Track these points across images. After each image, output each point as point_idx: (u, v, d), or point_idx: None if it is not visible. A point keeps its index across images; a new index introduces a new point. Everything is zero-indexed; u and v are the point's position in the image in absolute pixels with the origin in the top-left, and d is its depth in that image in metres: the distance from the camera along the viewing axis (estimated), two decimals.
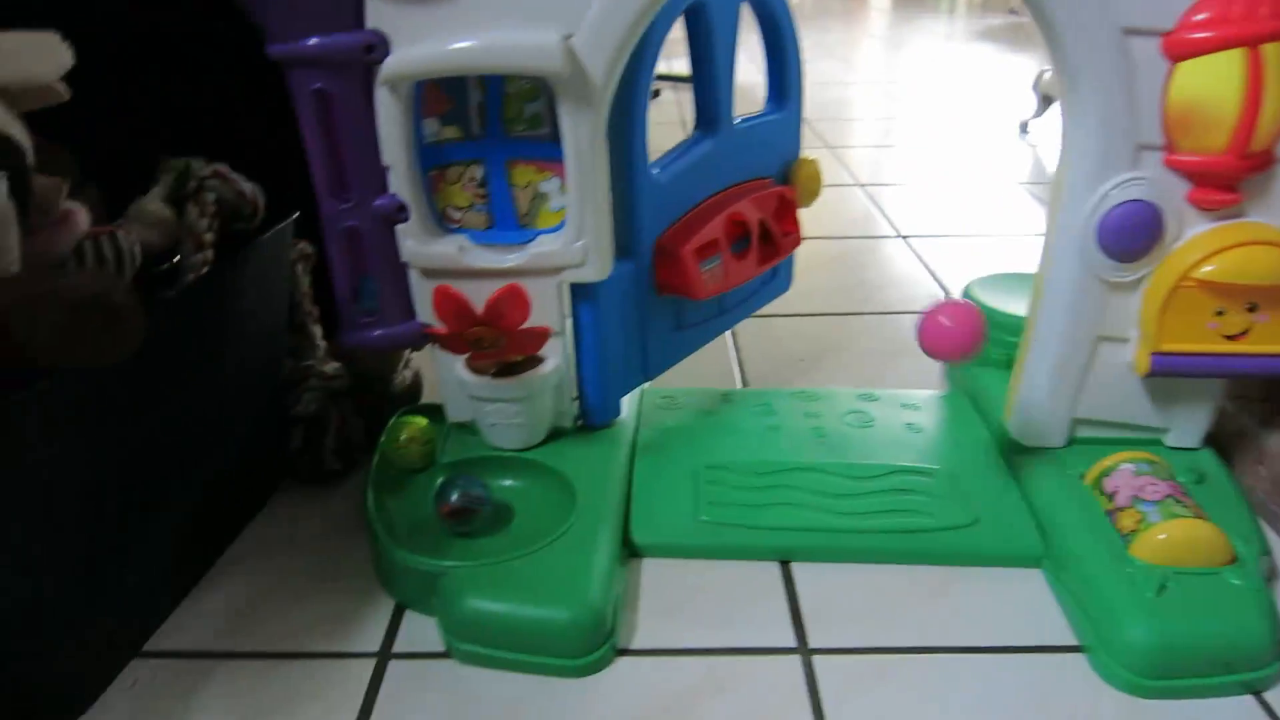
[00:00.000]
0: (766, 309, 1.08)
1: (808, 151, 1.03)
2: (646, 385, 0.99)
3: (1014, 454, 0.86)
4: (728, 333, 1.20)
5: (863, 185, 1.92)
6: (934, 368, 1.12)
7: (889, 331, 1.24)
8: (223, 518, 0.84)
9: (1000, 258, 1.48)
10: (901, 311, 1.29)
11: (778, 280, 1.08)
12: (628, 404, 0.94)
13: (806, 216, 1.03)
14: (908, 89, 3.01)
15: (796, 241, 1.03)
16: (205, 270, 0.77)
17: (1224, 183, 0.72)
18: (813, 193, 1.04)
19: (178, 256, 0.78)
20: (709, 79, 0.90)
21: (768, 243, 0.98)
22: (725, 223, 0.91)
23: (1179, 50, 0.68)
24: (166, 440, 0.73)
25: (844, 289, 1.38)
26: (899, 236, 1.60)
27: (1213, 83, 0.68)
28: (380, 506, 0.79)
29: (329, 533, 0.85)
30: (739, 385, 1.11)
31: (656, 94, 0.96)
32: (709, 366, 1.14)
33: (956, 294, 1.15)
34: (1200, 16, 0.67)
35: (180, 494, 0.77)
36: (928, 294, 1.35)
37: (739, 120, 0.94)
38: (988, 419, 0.93)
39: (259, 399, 0.87)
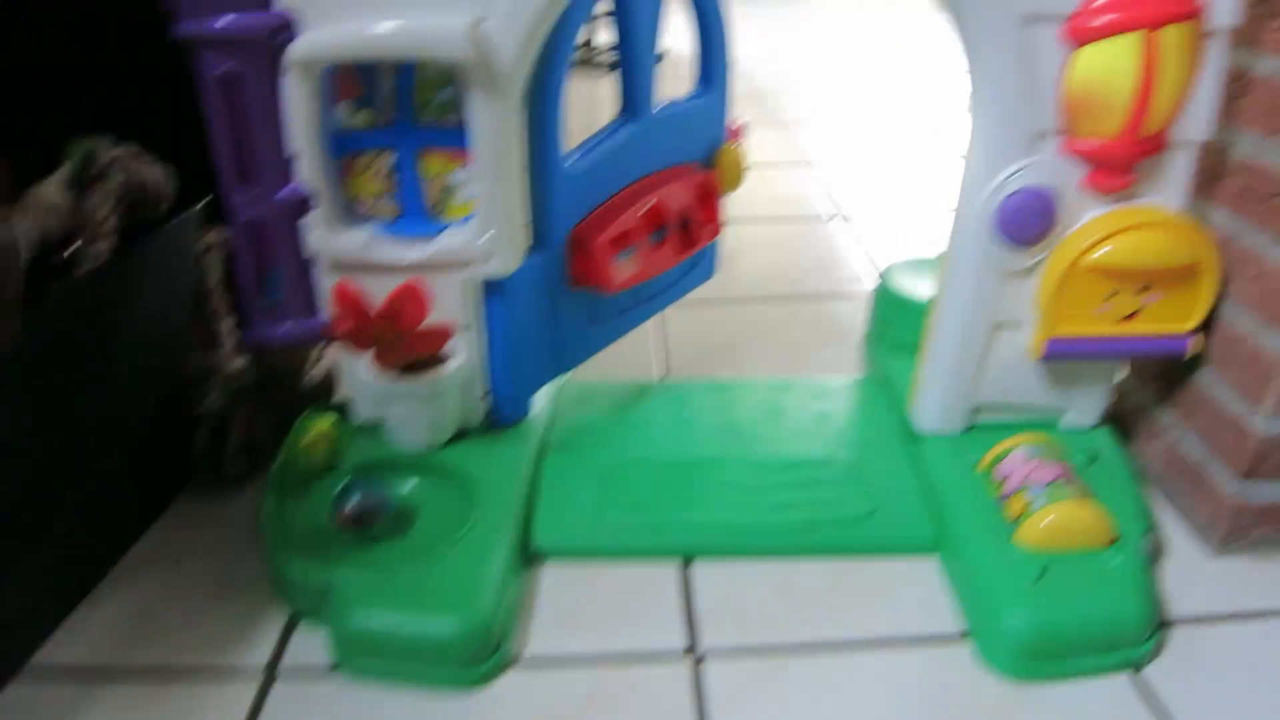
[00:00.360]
0: (695, 294, 1.08)
1: (758, 126, 1.02)
2: (563, 379, 0.99)
3: (916, 441, 0.88)
4: (655, 320, 1.21)
5: (808, 163, 1.92)
6: (854, 354, 1.13)
7: (816, 316, 1.25)
8: (118, 523, 0.82)
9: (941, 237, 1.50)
10: (829, 296, 1.31)
11: (700, 268, 1.08)
12: (541, 399, 0.94)
13: (744, 197, 1.03)
14: (863, 59, 3.02)
15: (717, 230, 1.03)
16: (104, 259, 0.75)
17: (1119, 166, 0.74)
18: (736, 179, 1.04)
19: (75, 245, 0.76)
20: (632, 62, 0.89)
21: (687, 232, 0.98)
22: (642, 212, 0.91)
23: (1080, 35, 0.70)
24: (54, 441, 0.71)
25: (775, 273, 1.38)
26: (838, 216, 1.61)
27: (1111, 67, 0.69)
28: (279, 512, 0.78)
29: (230, 538, 0.83)
30: (664, 374, 1.12)
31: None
32: (634, 356, 1.14)
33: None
34: (1101, 1, 0.69)
35: (70, 499, 0.75)
36: (852, 277, 1.37)
37: (662, 106, 0.94)
38: (897, 405, 0.95)
39: (160, 396, 0.85)
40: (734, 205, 1.52)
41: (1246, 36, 0.76)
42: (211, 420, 0.88)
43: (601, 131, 0.89)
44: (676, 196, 0.94)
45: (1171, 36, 0.67)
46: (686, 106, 0.96)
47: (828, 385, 1.01)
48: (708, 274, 1.09)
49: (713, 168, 1.00)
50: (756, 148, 2.03)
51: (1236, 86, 0.77)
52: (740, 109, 2.31)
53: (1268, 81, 0.74)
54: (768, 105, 2.41)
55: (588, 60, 2.70)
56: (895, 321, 1.01)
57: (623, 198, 0.90)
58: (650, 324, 1.09)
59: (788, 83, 2.67)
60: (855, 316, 1.21)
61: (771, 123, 2.23)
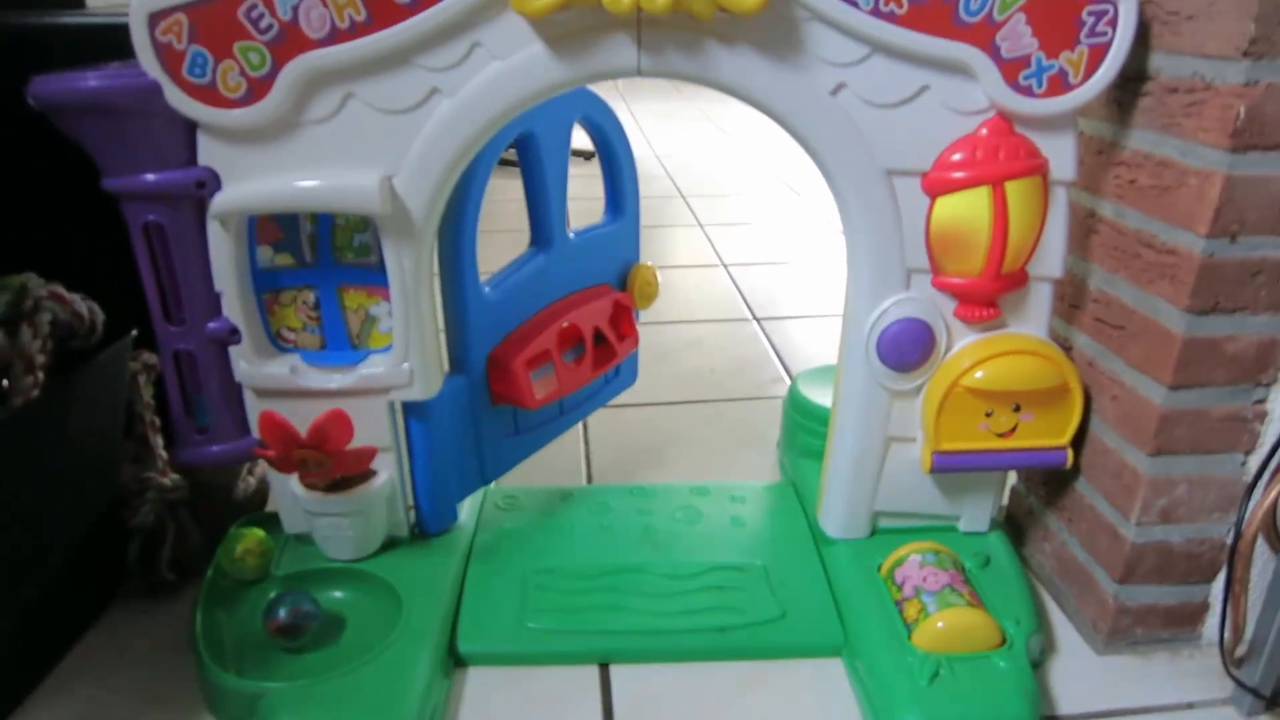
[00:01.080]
0: (618, 400, 1.14)
1: (678, 231, 1.09)
2: (490, 486, 1.03)
3: (824, 544, 0.93)
4: (579, 425, 1.25)
5: (730, 265, 2.01)
6: (771, 456, 1.19)
7: (736, 419, 1.31)
8: (52, 633, 0.84)
9: None
10: (748, 399, 1.37)
11: (620, 378, 1.14)
12: (468, 506, 0.98)
13: (668, 301, 1.09)
14: (786, 161, 3.15)
15: (634, 344, 1.09)
16: (35, 394, 0.79)
17: (984, 300, 0.81)
18: (650, 297, 1.11)
19: (5, 381, 0.79)
20: (541, 199, 0.96)
21: (603, 347, 1.04)
22: (558, 333, 0.96)
23: (936, 188, 0.77)
24: None
25: (697, 376, 1.45)
26: (752, 319, 1.68)
27: (966, 215, 0.77)
28: (210, 623, 0.81)
29: (162, 648, 0.86)
30: (587, 478, 1.16)
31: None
32: (559, 460, 1.18)
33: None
34: (955, 157, 0.77)
35: (4, 611, 0.77)
36: (772, 379, 1.43)
37: (575, 233, 1.01)
38: (806, 509, 1.00)
39: (93, 512, 0.88)
40: (657, 309, 1.59)
41: (1090, 182, 0.84)
42: (144, 533, 0.91)
43: (516, 261, 0.95)
44: (591, 316, 1.00)
45: (1017, 189, 0.75)
46: (598, 233, 1.03)
47: (745, 489, 1.06)
48: (629, 381, 1.15)
49: (627, 287, 1.06)
50: (680, 251, 2.12)
51: (1087, 225, 0.85)
52: (663, 212, 2.43)
53: (1109, 222, 0.82)
54: (690, 208, 2.51)
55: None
56: (803, 428, 1.07)
57: (539, 320, 0.96)
58: (575, 428, 1.14)
59: (710, 186, 2.77)
60: (774, 419, 1.27)
61: (694, 225, 2.33)
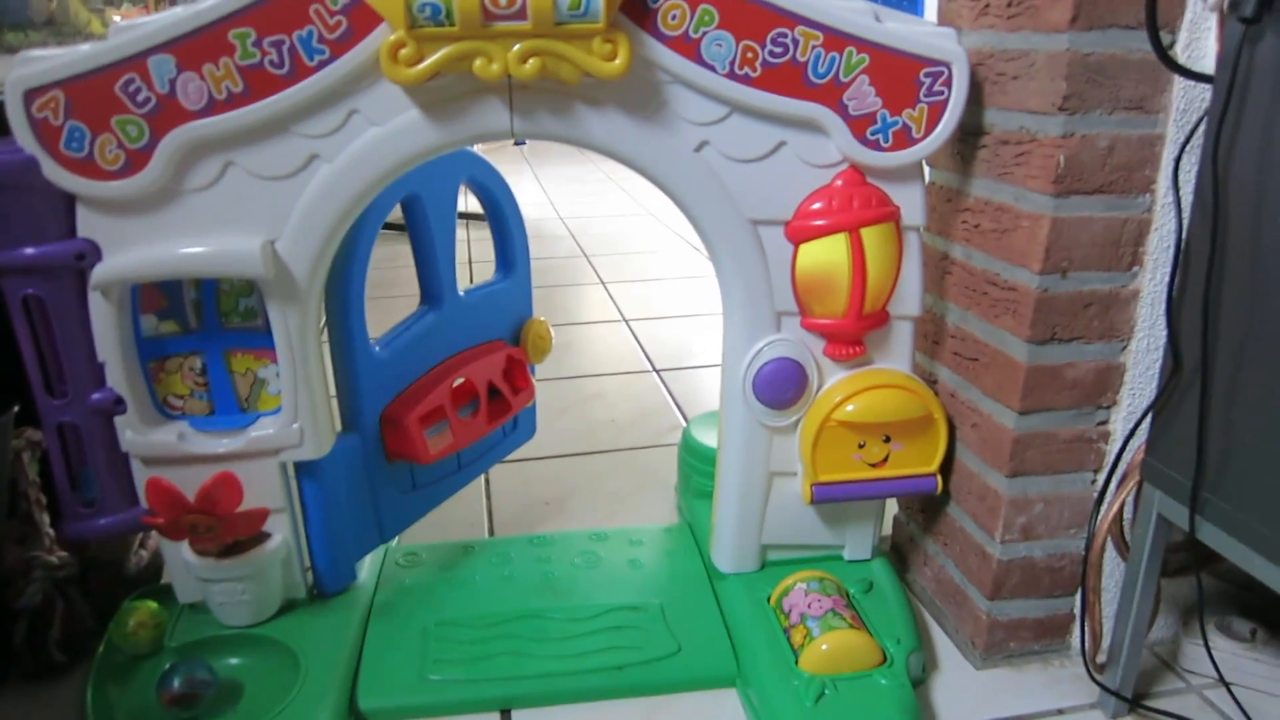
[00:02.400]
0: (518, 453, 1.16)
1: (582, 289, 1.12)
2: (390, 543, 1.04)
3: (718, 580, 0.96)
4: (480, 479, 1.27)
5: (628, 319, 2.06)
6: (671, 501, 1.22)
7: (636, 467, 1.34)
8: None
9: None
10: (646, 447, 1.40)
11: (519, 430, 1.16)
12: (368, 565, 0.99)
13: (571, 357, 1.11)
14: (684, 218, 3.24)
15: (529, 396, 1.12)
16: None
17: (850, 339, 0.86)
18: (543, 350, 1.14)
19: None
20: (429, 259, 0.99)
21: (498, 401, 1.06)
22: (451, 388, 0.98)
23: (797, 236, 0.83)
24: None
25: (598, 427, 1.48)
26: (652, 370, 1.73)
27: (828, 260, 0.83)
28: (101, 700, 0.80)
29: None
30: (488, 531, 1.17)
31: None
32: (461, 514, 1.20)
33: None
34: (814, 206, 0.82)
35: None
36: (671, 426, 1.47)
37: (466, 290, 1.04)
38: (702, 548, 1.03)
39: None
40: (560, 364, 1.62)
41: (941, 227, 0.91)
42: (31, 614, 0.89)
43: (407, 319, 0.98)
44: (484, 370, 1.02)
45: (872, 235, 0.81)
46: (489, 290, 1.06)
47: (643, 533, 1.09)
48: (528, 434, 1.17)
49: (520, 341, 1.09)
50: (583, 308, 2.16)
51: (942, 267, 0.92)
52: (566, 271, 2.48)
53: (960, 263, 0.89)
54: (591, 265, 2.56)
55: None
56: (696, 470, 1.11)
57: (432, 376, 0.98)
58: (477, 482, 1.16)
59: (612, 244, 2.84)
60: (672, 465, 1.31)
61: (595, 282, 2.38)
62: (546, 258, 2.58)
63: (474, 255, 2.50)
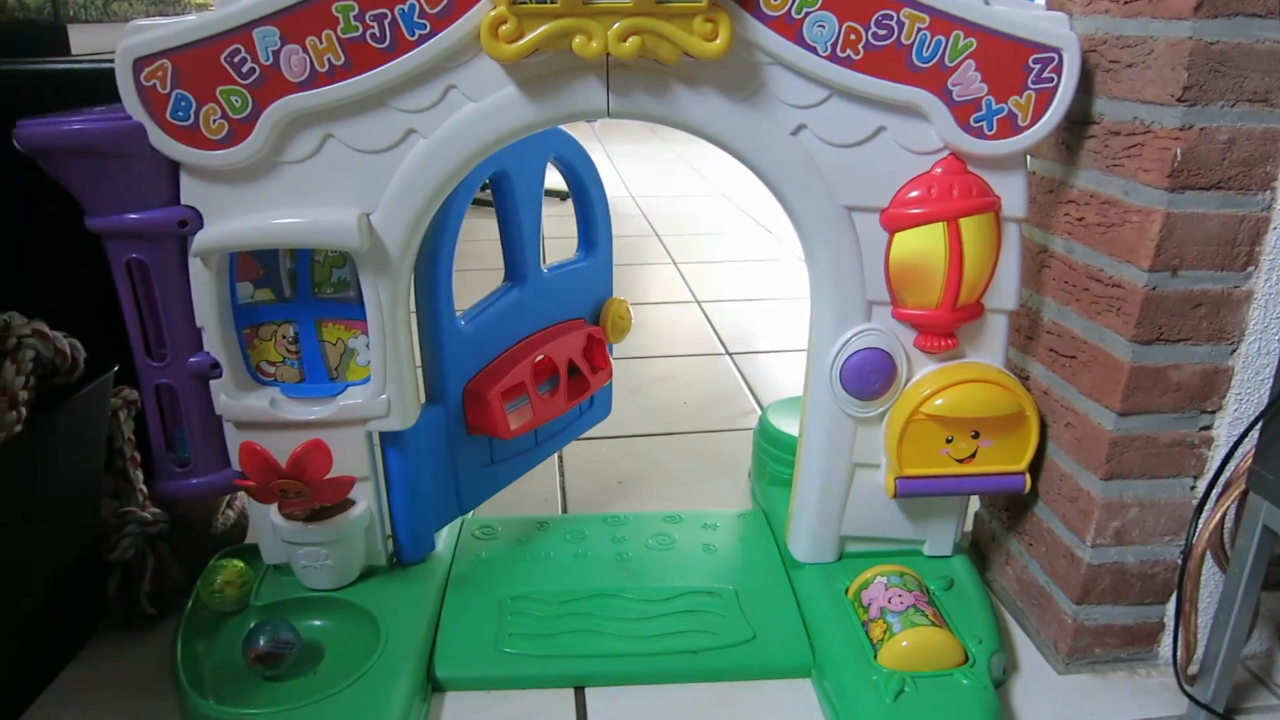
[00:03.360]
0: (592, 431, 1.16)
1: (653, 268, 1.12)
2: (467, 515, 1.05)
3: (794, 569, 0.95)
4: (554, 456, 1.27)
5: (703, 300, 2.04)
6: (743, 486, 1.21)
7: (708, 450, 1.33)
8: (33, 666, 0.85)
9: None
10: (718, 430, 1.39)
11: (595, 410, 1.16)
12: (446, 536, 1.00)
13: (643, 335, 1.11)
14: (756, 199, 3.21)
15: (607, 376, 1.12)
16: (18, 429, 0.80)
17: (942, 331, 0.84)
18: (622, 330, 1.13)
19: None
20: (515, 236, 0.99)
21: (577, 379, 1.06)
22: (532, 365, 0.99)
23: (894, 224, 0.81)
24: None
25: (670, 408, 1.47)
26: (725, 353, 1.72)
27: (923, 249, 0.80)
28: (190, 653, 0.82)
29: (142, 680, 0.86)
30: (561, 508, 1.18)
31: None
32: (535, 490, 1.20)
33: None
34: (911, 195, 0.80)
35: None
36: (744, 411, 1.46)
37: (549, 268, 1.04)
38: (777, 536, 1.02)
39: (73, 546, 0.89)
40: (632, 344, 1.62)
41: (1042, 220, 0.88)
42: (124, 567, 0.92)
43: (492, 294, 0.98)
44: (565, 349, 1.02)
45: (971, 225, 0.79)
46: (571, 268, 1.06)
47: (717, 517, 1.08)
48: (603, 413, 1.17)
49: (600, 321, 1.09)
50: (654, 287, 2.15)
51: (1040, 260, 0.89)
52: (638, 250, 2.47)
53: (1060, 257, 0.86)
54: (663, 244, 2.55)
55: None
56: (773, 457, 1.10)
57: (514, 352, 0.98)
58: (550, 459, 1.16)
59: (684, 225, 2.82)
60: (746, 449, 1.30)
61: (666, 261, 2.37)
62: (618, 236, 2.57)
63: (547, 232, 2.51)
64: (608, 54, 0.73)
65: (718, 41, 0.72)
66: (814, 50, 0.75)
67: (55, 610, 0.87)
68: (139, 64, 0.74)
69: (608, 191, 1.09)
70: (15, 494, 0.80)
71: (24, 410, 0.81)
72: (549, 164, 1.02)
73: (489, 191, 0.98)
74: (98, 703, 0.84)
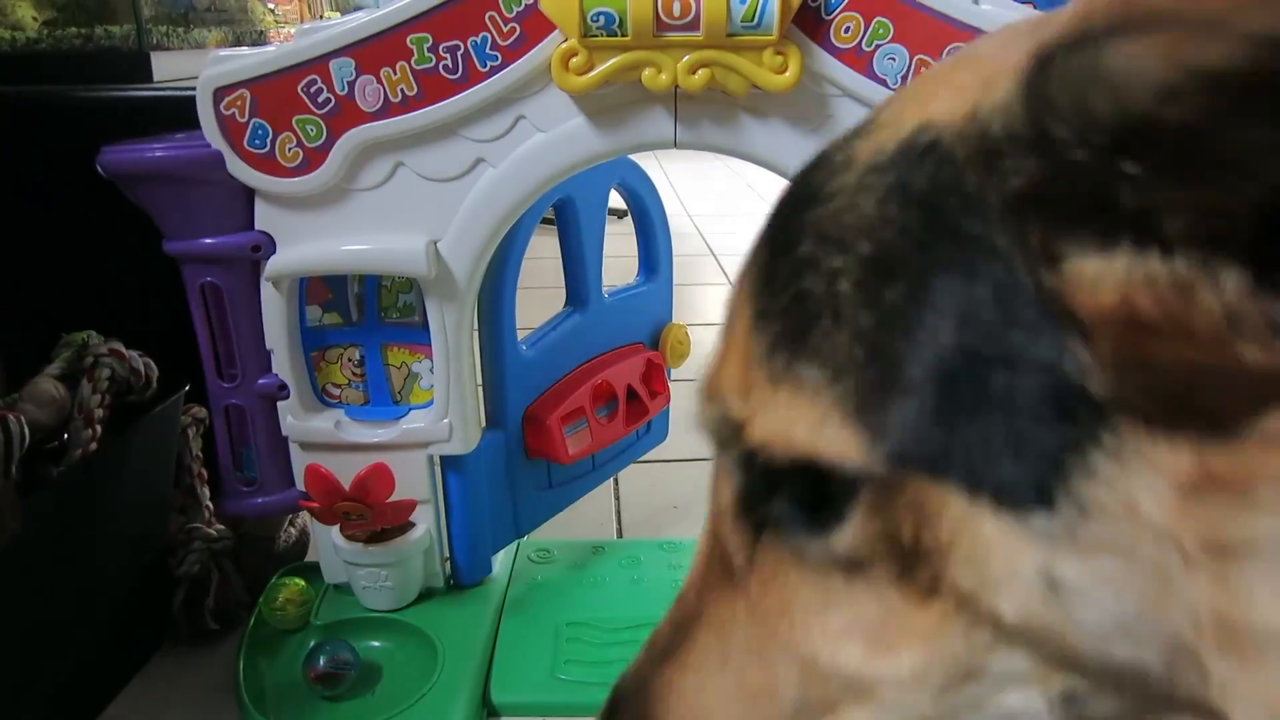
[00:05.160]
0: (649, 455, 1.16)
1: (710, 289, 1.12)
2: (523, 538, 1.06)
3: None
4: (610, 479, 1.28)
5: None
6: None
7: None
8: (98, 682, 0.87)
9: None
10: None
11: (652, 434, 1.16)
12: (502, 559, 1.00)
13: (699, 359, 1.11)
14: None
15: (666, 400, 1.12)
16: (94, 446, 0.82)
17: None
18: (681, 355, 1.13)
19: (65, 435, 0.83)
20: (578, 262, 1.00)
21: (635, 404, 1.07)
22: (591, 390, 0.99)
23: None
24: (41, 614, 0.77)
25: None
26: None
27: None
28: (251, 670, 0.83)
29: (205, 695, 0.88)
30: (616, 532, 1.18)
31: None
32: (590, 513, 1.20)
33: None
34: None
35: (54, 659, 0.80)
36: None
37: (610, 293, 1.04)
38: None
39: (144, 560, 0.91)
40: (689, 367, 1.61)
41: None
42: (190, 582, 0.94)
43: (553, 319, 0.99)
44: (624, 374, 1.03)
45: None
46: (632, 293, 1.06)
47: None
48: (660, 438, 1.17)
49: (659, 345, 1.09)
50: (711, 309, 2.15)
51: None
52: (694, 271, 2.47)
53: None
54: (720, 265, 2.54)
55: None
56: None
57: (573, 377, 0.99)
58: (606, 482, 1.16)
59: (742, 245, 2.78)
60: None
61: (723, 282, 2.36)
62: (675, 255, 2.58)
63: (604, 251, 2.53)
64: (676, 86, 0.73)
65: (787, 74, 0.72)
66: (884, 83, 0.74)
67: (123, 623, 0.89)
68: (219, 93, 0.76)
69: (666, 214, 1.09)
70: (89, 508, 0.82)
71: (99, 428, 0.83)
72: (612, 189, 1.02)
73: (550, 210, 0.99)
74: (163, 714, 0.86)
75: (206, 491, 1.00)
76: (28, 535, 0.65)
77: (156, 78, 1.20)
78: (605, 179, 1.00)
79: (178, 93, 0.95)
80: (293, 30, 0.75)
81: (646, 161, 1.04)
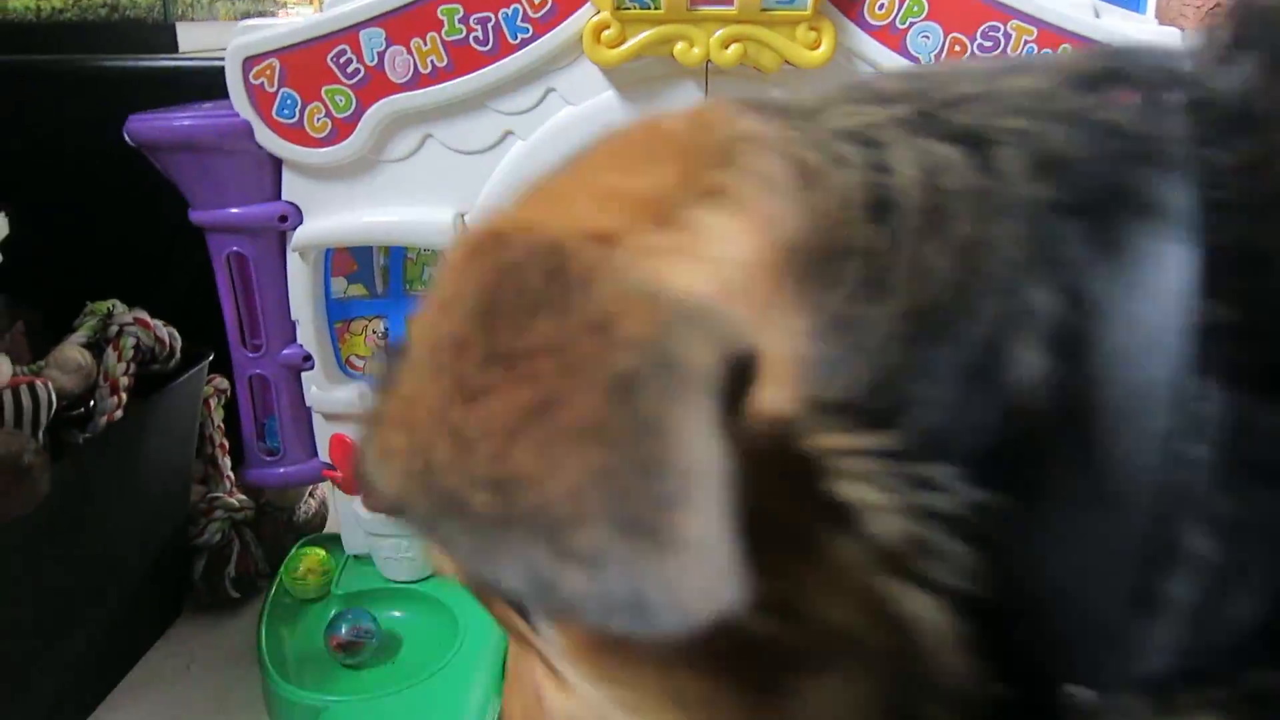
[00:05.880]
0: None
1: None
2: None
3: None
4: None
5: None
6: None
7: None
8: (120, 647, 0.88)
9: None
10: None
11: None
12: None
13: None
14: None
15: None
16: (118, 413, 0.83)
17: None
18: None
19: (92, 401, 0.83)
20: None
21: None
22: None
23: None
24: (65, 579, 0.78)
25: None
26: None
27: None
28: (273, 637, 0.84)
29: (226, 661, 0.89)
30: None
31: None
32: None
33: None
34: None
35: (77, 624, 0.81)
36: None
37: None
38: None
39: (166, 528, 0.92)
40: None
41: None
42: (210, 551, 0.95)
43: None
44: None
45: None
46: None
47: None
48: None
49: None
50: None
51: None
52: None
53: None
54: None
55: None
56: None
57: None
58: None
59: None
60: None
61: None
62: None
63: None
64: (708, 60, 0.73)
65: (820, 50, 0.71)
66: (916, 61, 0.74)
67: (146, 590, 0.89)
68: (248, 63, 0.75)
69: None
70: (114, 475, 0.82)
71: (124, 396, 0.84)
72: None
73: None
74: (184, 681, 0.86)
75: (228, 461, 1.01)
76: (55, 498, 0.65)
77: (182, 48, 1.19)
78: None
79: (204, 63, 0.95)
80: (296, 8, 0.75)
81: None
